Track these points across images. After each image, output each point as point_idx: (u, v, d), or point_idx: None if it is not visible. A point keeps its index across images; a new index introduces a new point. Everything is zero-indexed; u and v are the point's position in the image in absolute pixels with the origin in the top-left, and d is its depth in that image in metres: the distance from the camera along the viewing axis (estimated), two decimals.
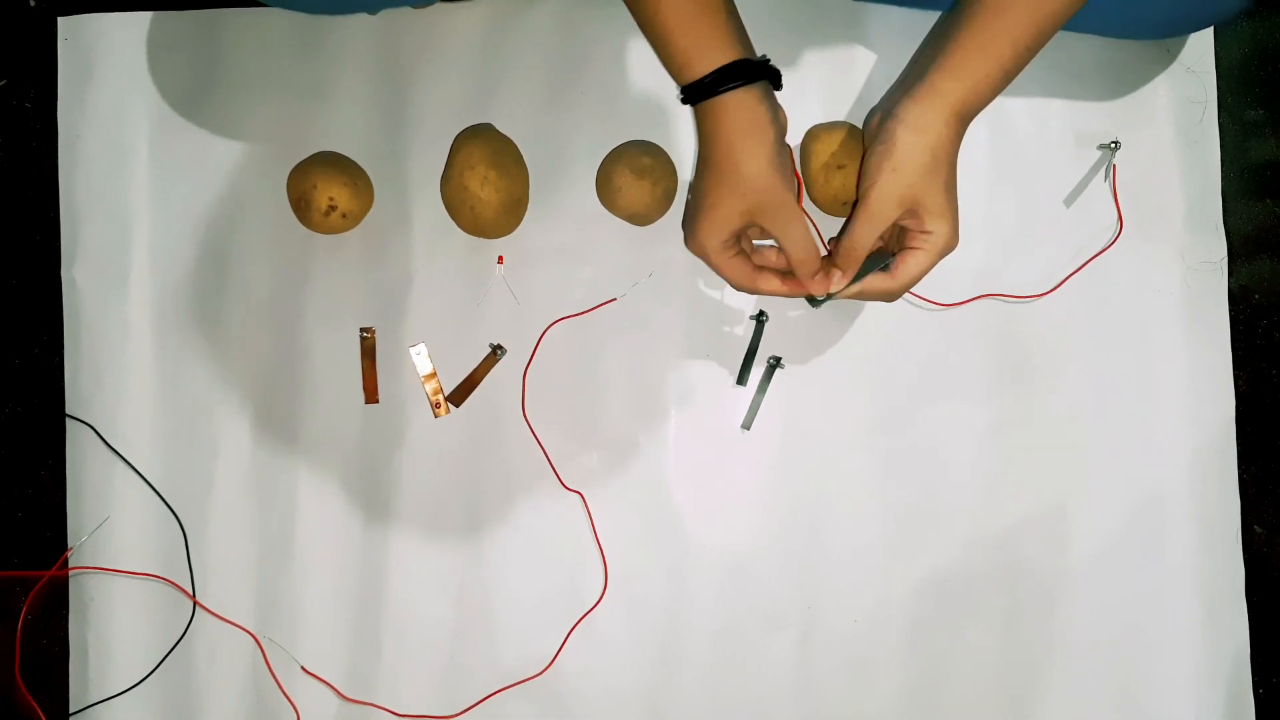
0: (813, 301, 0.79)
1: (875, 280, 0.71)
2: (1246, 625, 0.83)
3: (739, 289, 0.74)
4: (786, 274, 0.73)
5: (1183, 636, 0.83)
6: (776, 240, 0.71)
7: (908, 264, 0.70)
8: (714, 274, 0.84)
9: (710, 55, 0.66)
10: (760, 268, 0.73)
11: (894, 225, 0.70)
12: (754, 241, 0.75)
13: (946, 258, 0.71)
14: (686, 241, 0.74)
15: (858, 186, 0.70)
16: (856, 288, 0.72)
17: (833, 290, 0.71)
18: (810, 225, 0.74)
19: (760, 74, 0.67)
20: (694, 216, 0.72)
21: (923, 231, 0.69)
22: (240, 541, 0.84)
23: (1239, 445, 0.84)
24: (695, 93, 0.67)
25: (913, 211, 0.69)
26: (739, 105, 0.66)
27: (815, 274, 0.71)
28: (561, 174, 0.84)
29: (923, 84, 0.67)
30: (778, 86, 0.70)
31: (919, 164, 0.67)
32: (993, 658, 0.83)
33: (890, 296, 0.73)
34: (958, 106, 0.67)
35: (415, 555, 0.84)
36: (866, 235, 0.69)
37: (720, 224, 0.70)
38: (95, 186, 0.85)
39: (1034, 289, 0.84)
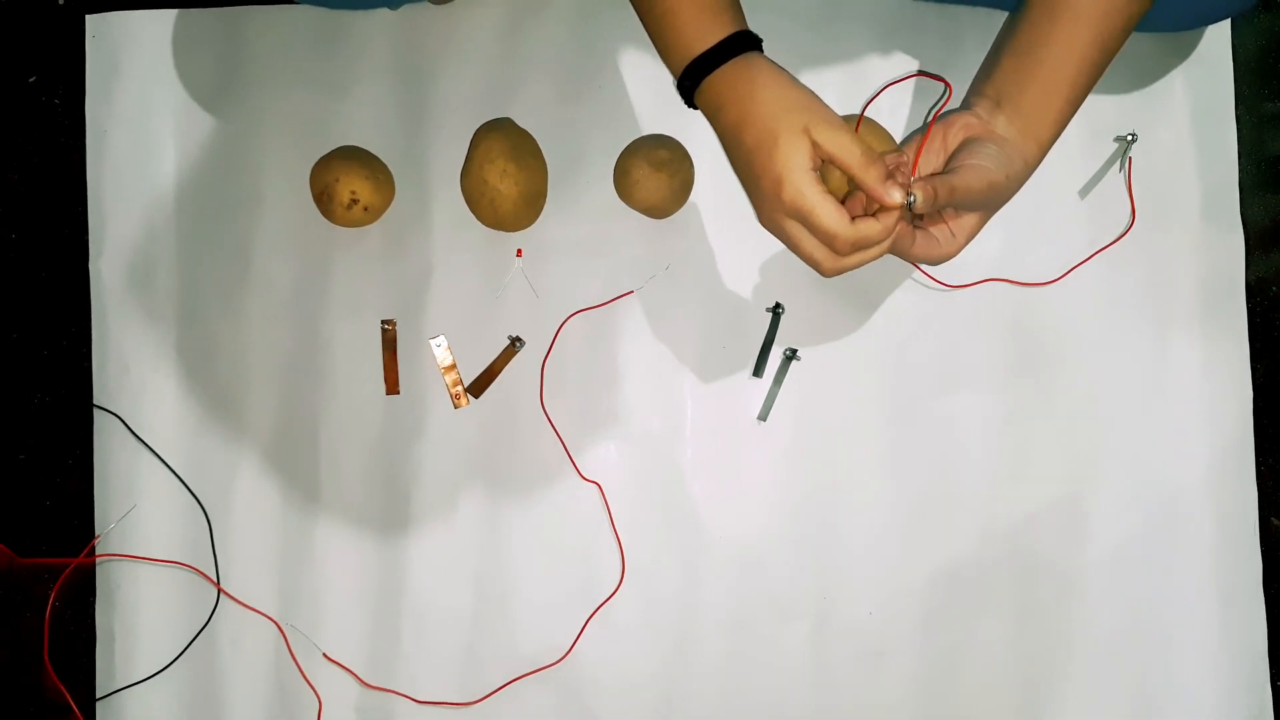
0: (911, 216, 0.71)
1: (923, 247, 0.71)
2: (1264, 619, 0.83)
3: (833, 234, 0.64)
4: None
5: (1199, 630, 0.83)
6: (832, 155, 0.64)
7: (919, 247, 0.70)
8: (729, 266, 0.85)
9: (717, 29, 0.67)
10: (856, 217, 0.65)
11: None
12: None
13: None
14: (762, 216, 0.68)
15: (958, 156, 0.68)
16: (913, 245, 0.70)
17: (919, 204, 0.65)
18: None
19: (758, 46, 0.69)
20: (764, 172, 0.65)
21: (953, 234, 0.70)
22: (263, 530, 0.85)
23: (1256, 438, 0.84)
24: (701, 66, 0.67)
25: (971, 213, 0.70)
26: (748, 61, 0.67)
27: (884, 179, 0.64)
28: (580, 167, 0.85)
29: (1024, 120, 0.69)
30: None
31: (1016, 182, 0.69)
32: (1007, 649, 0.83)
33: (873, 244, 0.69)
34: (1047, 149, 0.70)
35: (435, 545, 0.84)
36: (967, 198, 0.67)
37: (793, 152, 0.64)
38: (122, 181, 0.87)
39: (1054, 277, 0.84)
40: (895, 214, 0.66)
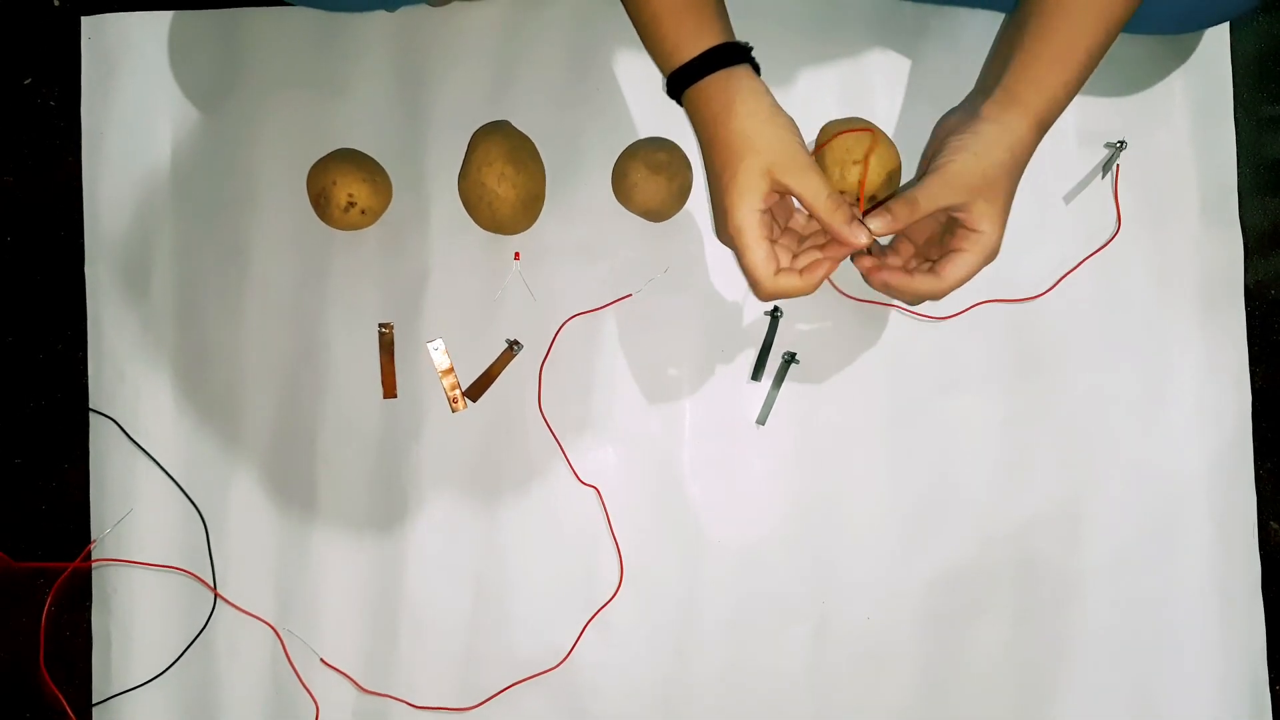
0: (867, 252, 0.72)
1: (922, 280, 0.69)
2: (1263, 622, 0.83)
3: (756, 280, 0.68)
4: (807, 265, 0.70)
5: (1198, 633, 0.83)
6: (798, 196, 0.66)
7: (955, 265, 0.68)
8: (727, 269, 0.85)
9: (699, 40, 0.67)
10: (780, 270, 0.68)
11: (940, 222, 0.70)
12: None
13: None
14: (717, 230, 0.72)
15: (926, 163, 0.67)
16: (906, 283, 0.69)
17: (878, 232, 0.66)
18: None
19: (744, 57, 0.68)
20: (719, 198, 0.68)
21: (974, 231, 0.67)
22: (261, 534, 0.85)
23: (1255, 441, 0.84)
24: (684, 76, 0.68)
25: (969, 205, 0.67)
26: (729, 78, 0.67)
27: (850, 220, 0.66)
28: (578, 170, 0.85)
29: (1005, 91, 0.67)
30: (757, 73, 0.70)
31: (997, 159, 0.66)
32: (1006, 653, 0.83)
33: (935, 295, 0.70)
34: (1040, 115, 0.67)
35: (432, 549, 0.84)
36: (932, 198, 0.66)
37: (746, 190, 0.66)
38: (118, 183, 0.87)
39: (1045, 286, 0.84)
40: (819, 271, 0.68)
